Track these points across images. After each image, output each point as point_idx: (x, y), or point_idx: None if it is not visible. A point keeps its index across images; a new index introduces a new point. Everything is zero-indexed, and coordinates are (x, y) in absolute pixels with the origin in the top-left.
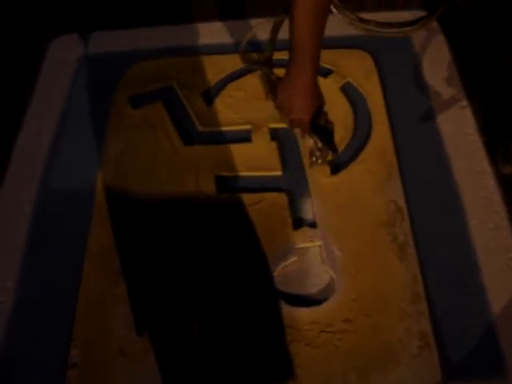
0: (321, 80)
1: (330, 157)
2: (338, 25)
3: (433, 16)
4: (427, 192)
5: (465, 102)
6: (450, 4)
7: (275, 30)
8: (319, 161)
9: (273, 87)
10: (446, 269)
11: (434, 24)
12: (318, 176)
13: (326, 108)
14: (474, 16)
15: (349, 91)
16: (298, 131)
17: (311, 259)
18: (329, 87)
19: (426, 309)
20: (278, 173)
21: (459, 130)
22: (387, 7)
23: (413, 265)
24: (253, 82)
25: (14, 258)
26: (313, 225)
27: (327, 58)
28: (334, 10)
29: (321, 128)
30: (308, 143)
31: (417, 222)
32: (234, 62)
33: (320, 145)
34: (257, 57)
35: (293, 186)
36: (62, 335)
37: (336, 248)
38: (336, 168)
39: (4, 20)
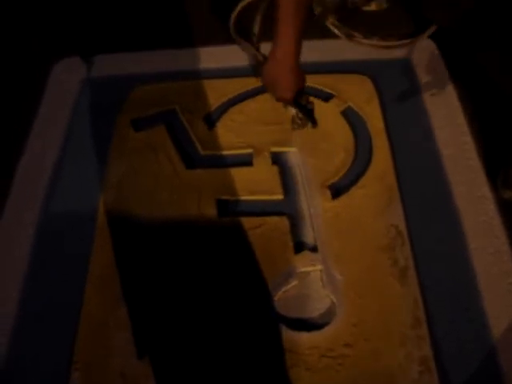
0: (322, 104)
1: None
2: (338, 50)
3: (430, 28)
4: (428, 216)
5: (465, 127)
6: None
7: (262, 10)
8: (300, 127)
9: (260, 67)
10: (446, 293)
11: (434, 48)
12: (319, 200)
13: (327, 132)
14: (473, 40)
15: (349, 115)
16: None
17: (312, 283)
18: (330, 112)
19: (426, 333)
20: (279, 197)
21: (459, 155)
22: (384, 30)
23: (413, 289)
24: (254, 107)
25: (16, 280)
26: (314, 249)
27: (328, 82)
28: (336, 31)
29: (302, 105)
30: (290, 112)
31: (417, 246)
32: (235, 87)
33: (301, 115)
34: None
35: (294, 209)
36: (64, 358)
37: (337, 272)
38: (337, 192)
39: (9, 43)
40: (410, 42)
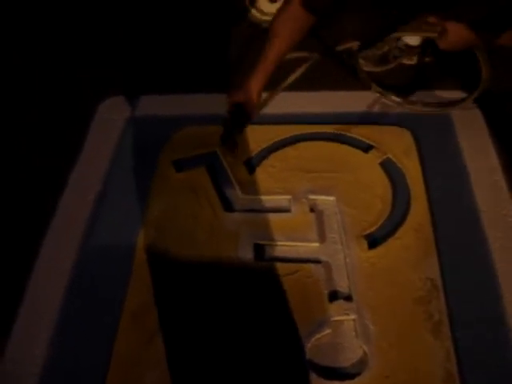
0: (361, 155)
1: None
2: (378, 101)
3: (471, 96)
4: (464, 270)
5: (503, 183)
6: (488, 86)
7: None
8: (228, 152)
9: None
10: (481, 349)
11: (473, 104)
12: (356, 250)
13: (366, 183)
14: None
15: (388, 167)
16: None
17: (345, 333)
18: (369, 162)
19: None
20: (316, 244)
21: (497, 211)
22: (427, 87)
23: (446, 343)
24: (294, 154)
25: (52, 312)
26: (348, 298)
27: (368, 133)
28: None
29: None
30: None
31: (452, 300)
32: (276, 133)
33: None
34: None
35: (330, 258)
36: None
37: (370, 323)
38: (373, 243)
39: (58, 82)
40: (458, 107)
